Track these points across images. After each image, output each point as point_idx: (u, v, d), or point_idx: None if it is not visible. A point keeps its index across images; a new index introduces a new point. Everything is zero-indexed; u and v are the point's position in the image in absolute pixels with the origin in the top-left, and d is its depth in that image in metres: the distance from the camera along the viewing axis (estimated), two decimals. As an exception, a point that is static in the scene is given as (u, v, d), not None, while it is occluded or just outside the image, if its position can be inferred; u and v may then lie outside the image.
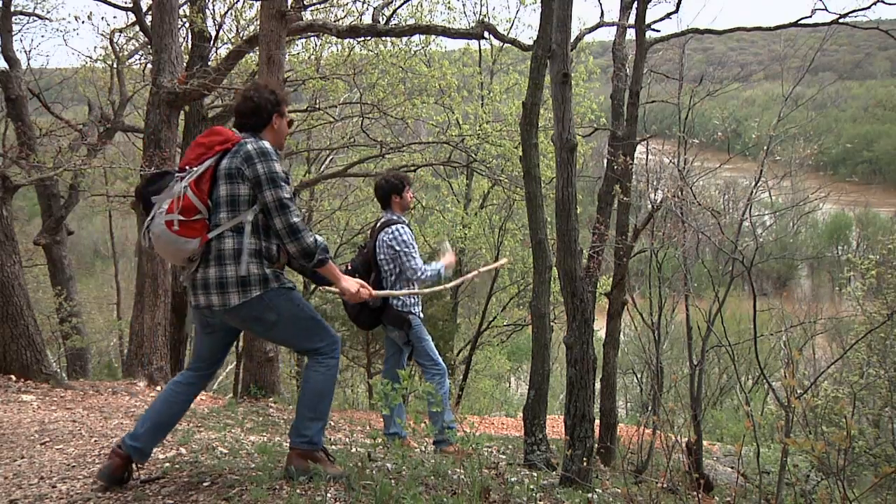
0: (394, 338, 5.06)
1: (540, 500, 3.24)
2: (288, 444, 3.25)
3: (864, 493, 2.83)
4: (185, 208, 2.96)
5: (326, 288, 3.65)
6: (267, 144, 3.07)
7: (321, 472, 3.06)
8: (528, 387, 4.61)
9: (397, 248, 4.82)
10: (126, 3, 11.78)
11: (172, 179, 3.04)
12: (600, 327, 8.37)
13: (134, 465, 3.23)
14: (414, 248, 4.85)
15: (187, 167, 3.06)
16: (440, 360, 4.99)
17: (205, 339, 3.22)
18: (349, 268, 5.00)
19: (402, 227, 4.87)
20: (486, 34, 8.48)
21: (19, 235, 8.82)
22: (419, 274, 4.81)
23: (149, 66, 10.93)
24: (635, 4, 7.99)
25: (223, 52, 11.94)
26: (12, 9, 12.27)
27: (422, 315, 5.04)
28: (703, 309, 5.51)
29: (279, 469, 3.31)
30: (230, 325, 3.17)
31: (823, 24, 8.08)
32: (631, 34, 8.02)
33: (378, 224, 5.04)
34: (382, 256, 4.89)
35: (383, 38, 10.99)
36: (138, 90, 13.71)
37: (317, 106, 12.81)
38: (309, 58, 12.81)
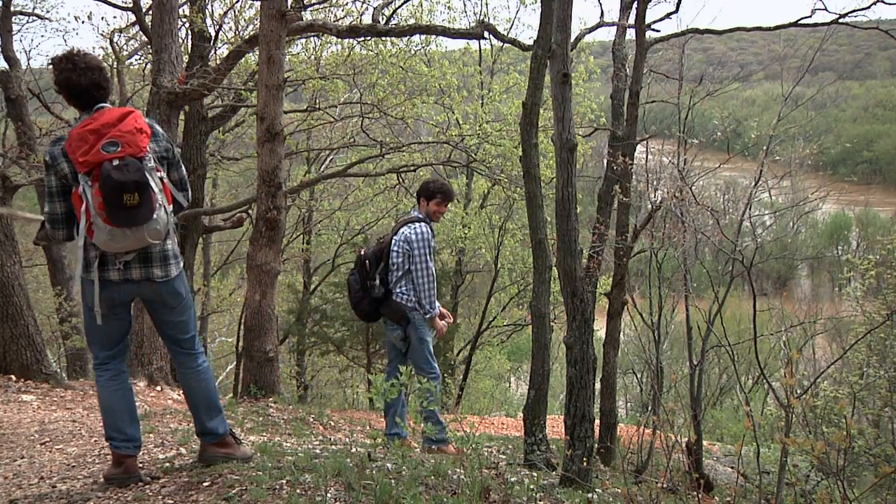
0: (393, 339, 5.07)
1: (540, 500, 3.23)
2: (207, 442, 3.46)
3: (864, 493, 2.83)
4: (169, 197, 3.15)
5: None
6: None
7: (233, 454, 3.43)
8: (528, 387, 4.61)
9: (410, 244, 4.91)
10: (126, 3, 11.77)
11: (141, 165, 3.04)
12: (600, 327, 8.36)
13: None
14: (427, 250, 4.93)
15: (141, 155, 3.04)
16: (435, 364, 4.99)
17: (114, 321, 3.27)
18: (362, 254, 5.10)
19: (422, 227, 4.97)
20: (486, 34, 8.47)
21: (19, 235, 8.81)
22: (423, 275, 4.88)
23: (149, 66, 10.93)
24: (635, 4, 7.98)
25: (223, 52, 11.94)
26: (12, 9, 12.26)
27: (430, 315, 5.00)
28: (703, 309, 5.50)
29: (279, 469, 3.32)
30: (129, 304, 3.30)
31: (823, 24, 8.07)
32: (631, 34, 8.01)
33: (403, 218, 5.19)
34: (396, 249, 4.98)
35: (383, 38, 10.98)
36: (138, 90, 13.70)
37: (317, 106, 12.80)
38: (309, 58, 12.80)
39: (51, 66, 3.20)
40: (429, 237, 4.96)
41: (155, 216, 3.03)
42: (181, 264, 3.33)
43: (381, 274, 4.99)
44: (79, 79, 3.11)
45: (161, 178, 3.11)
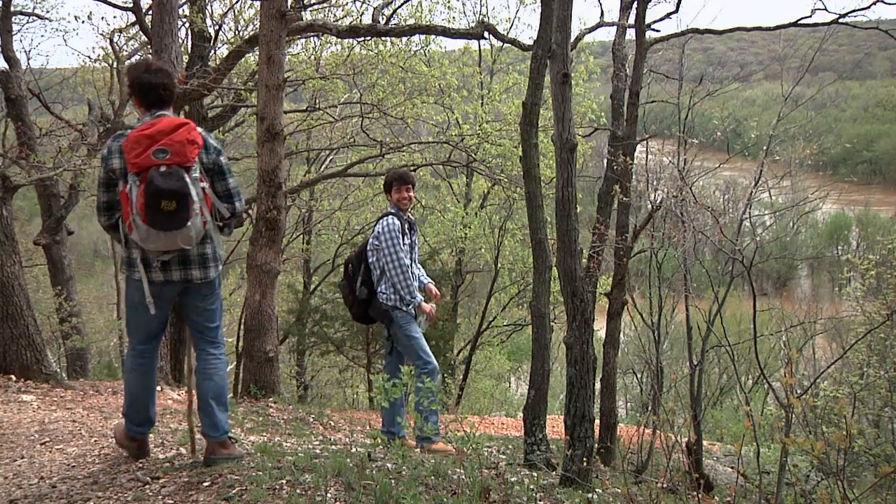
0: (391, 333, 5.11)
1: (540, 500, 3.23)
2: (214, 439, 3.56)
3: (864, 493, 2.83)
4: (207, 205, 3.37)
5: None
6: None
7: (233, 455, 3.53)
8: (528, 387, 4.61)
9: (379, 238, 4.94)
10: (126, 3, 11.77)
11: (184, 175, 3.25)
12: (600, 327, 8.35)
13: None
14: (393, 241, 4.91)
15: (188, 164, 3.27)
16: (430, 359, 4.94)
17: (158, 313, 3.48)
18: (348, 258, 5.21)
19: (386, 220, 4.98)
20: (486, 34, 8.46)
21: (19, 235, 8.80)
22: (396, 267, 4.88)
23: (149, 66, 10.91)
24: (635, 4, 7.98)
25: (223, 52, 11.94)
26: (12, 9, 12.26)
27: (413, 311, 5.00)
28: (703, 309, 5.50)
29: (279, 469, 3.32)
30: (171, 299, 3.56)
31: (823, 24, 8.07)
32: (631, 34, 8.01)
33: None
34: (370, 249, 5.04)
35: (383, 38, 10.97)
36: (138, 90, 13.68)
37: (317, 106, 12.80)
38: (309, 58, 12.80)
39: (125, 73, 3.61)
40: (393, 228, 4.92)
41: (189, 224, 3.24)
42: (220, 266, 3.57)
43: (364, 276, 5.04)
44: (150, 77, 3.40)
45: (203, 189, 3.35)
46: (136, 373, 3.61)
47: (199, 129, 3.41)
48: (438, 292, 5.29)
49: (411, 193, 5.12)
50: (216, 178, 3.48)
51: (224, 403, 3.60)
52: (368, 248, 5.03)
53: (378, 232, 4.97)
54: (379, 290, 5.00)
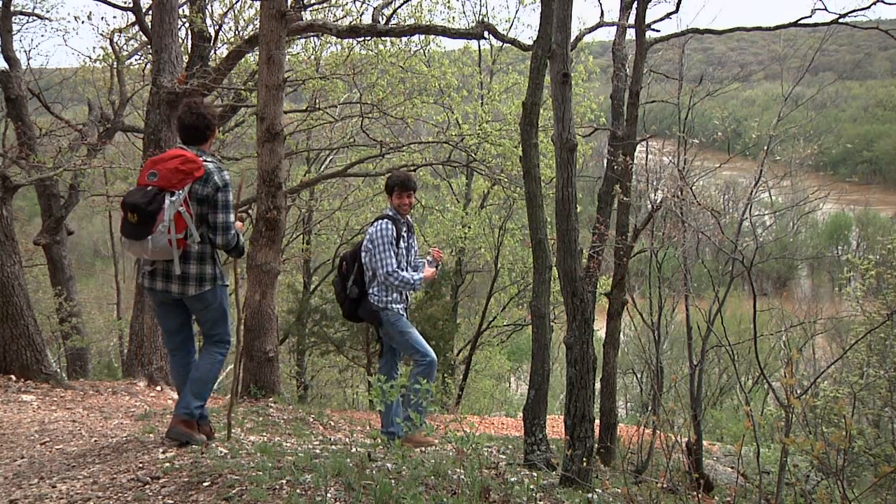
0: (382, 334, 5.12)
1: (540, 500, 3.24)
2: (175, 415, 3.99)
3: (864, 493, 2.83)
4: (179, 228, 3.72)
5: None
6: (228, 175, 3.89)
7: (194, 436, 3.96)
8: (528, 387, 4.61)
9: (373, 242, 4.92)
10: (126, 3, 11.77)
11: (163, 197, 3.64)
12: (600, 327, 8.35)
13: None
14: (385, 245, 4.90)
15: (172, 189, 3.66)
16: (427, 349, 4.92)
17: (163, 315, 4.05)
18: (342, 255, 5.23)
19: (381, 223, 4.95)
20: (485, 34, 8.46)
21: (19, 235, 8.80)
22: (385, 274, 4.87)
23: (149, 66, 10.93)
24: (635, 4, 7.98)
25: (223, 52, 11.94)
26: (12, 9, 12.26)
27: (402, 311, 5.02)
28: (703, 309, 5.50)
29: (279, 469, 3.32)
30: (173, 304, 4.00)
31: (823, 24, 8.07)
32: (631, 34, 8.01)
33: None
34: (363, 251, 5.02)
35: (383, 38, 10.97)
36: (138, 90, 13.70)
37: (317, 106, 12.80)
38: (309, 58, 12.80)
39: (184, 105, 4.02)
40: (387, 234, 4.89)
41: (149, 238, 3.61)
42: (206, 286, 3.89)
43: (357, 275, 5.04)
44: (184, 118, 3.92)
45: (182, 213, 3.69)
46: (171, 369, 4.18)
47: (210, 165, 3.80)
48: (438, 252, 5.24)
49: (412, 200, 5.11)
50: (209, 209, 3.85)
51: (199, 394, 3.98)
52: (363, 250, 5.02)
53: (371, 234, 4.95)
54: (370, 291, 4.99)
